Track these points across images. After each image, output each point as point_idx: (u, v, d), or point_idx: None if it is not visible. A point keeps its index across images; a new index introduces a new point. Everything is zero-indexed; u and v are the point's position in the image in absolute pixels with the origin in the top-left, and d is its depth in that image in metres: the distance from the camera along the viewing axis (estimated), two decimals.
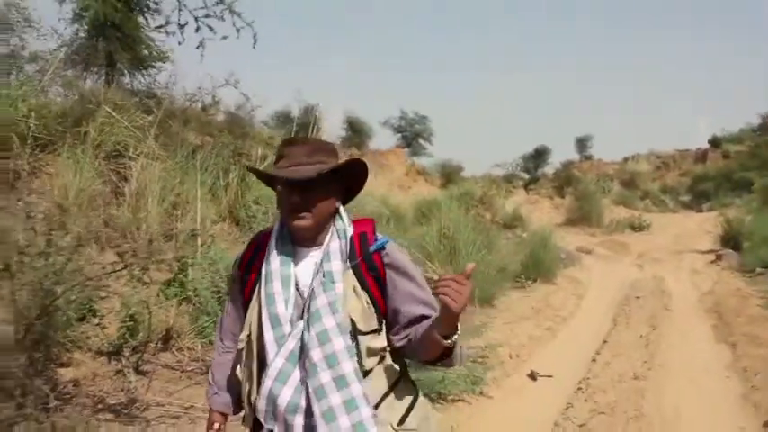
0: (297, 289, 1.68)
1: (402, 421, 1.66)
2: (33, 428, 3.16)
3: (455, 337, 1.52)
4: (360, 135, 25.43)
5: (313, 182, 1.63)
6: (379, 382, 1.66)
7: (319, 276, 1.64)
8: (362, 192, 1.97)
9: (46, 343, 3.63)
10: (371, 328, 1.66)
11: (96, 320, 4.45)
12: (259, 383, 1.66)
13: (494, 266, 7.78)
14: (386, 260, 1.70)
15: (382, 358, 1.69)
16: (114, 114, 6.40)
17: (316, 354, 1.57)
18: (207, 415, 1.94)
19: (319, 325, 1.58)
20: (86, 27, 8.54)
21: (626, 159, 40.60)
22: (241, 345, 1.72)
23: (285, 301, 1.65)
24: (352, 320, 1.62)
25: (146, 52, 9.06)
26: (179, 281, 5.16)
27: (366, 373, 1.63)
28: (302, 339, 1.61)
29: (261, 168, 1.71)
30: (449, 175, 26.94)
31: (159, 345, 4.68)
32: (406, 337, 1.67)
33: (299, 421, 1.58)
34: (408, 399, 1.71)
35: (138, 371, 4.31)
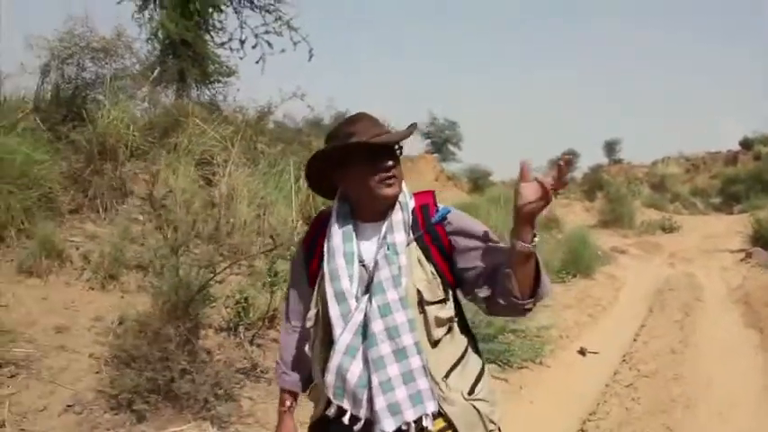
0: (361, 264, 1.73)
1: (472, 391, 1.72)
2: (201, 378, 4.13)
3: (535, 240, 1.53)
4: None
5: (400, 148, 1.73)
6: (447, 352, 1.71)
7: (383, 249, 1.69)
8: None
9: (196, 314, 4.60)
10: (438, 298, 1.70)
11: (214, 303, 5.45)
12: (326, 360, 1.70)
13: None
14: (448, 229, 1.75)
15: (450, 329, 1.74)
16: (203, 125, 7.42)
17: (377, 325, 1.63)
18: None
19: (382, 297, 1.64)
20: (159, 46, 9.63)
21: (655, 162, 41.11)
22: (310, 323, 1.78)
23: (349, 277, 1.69)
24: (418, 291, 1.68)
25: (212, 67, 10.14)
26: (273, 270, 6.14)
27: (435, 344, 1.69)
28: (366, 311, 1.66)
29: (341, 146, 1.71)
30: (477, 180, 27.71)
31: (267, 323, 5.65)
32: (489, 286, 1.67)
33: (366, 394, 1.62)
34: (476, 370, 1.77)
35: (253, 344, 5.27)
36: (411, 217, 1.75)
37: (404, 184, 1.78)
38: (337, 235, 1.74)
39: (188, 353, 4.22)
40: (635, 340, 6.51)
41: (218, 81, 10.05)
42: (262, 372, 4.87)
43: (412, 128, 1.78)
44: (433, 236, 1.73)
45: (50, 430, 3.55)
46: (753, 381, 5.17)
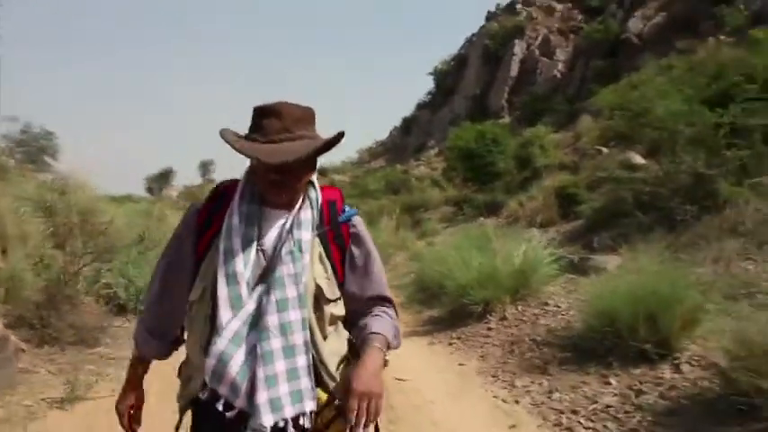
0: (260, 249, 1.82)
1: None
2: None
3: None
4: None
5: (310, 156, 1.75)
6: (336, 344, 1.91)
7: (289, 244, 1.79)
8: None
9: None
10: (336, 297, 1.89)
11: None
12: (207, 338, 1.78)
13: None
14: (352, 231, 1.92)
15: (335, 323, 1.93)
16: None
17: (272, 320, 1.74)
18: None
19: (281, 292, 1.75)
20: None
21: None
22: (194, 296, 1.85)
23: (244, 262, 1.77)
24: (318, 287, 1.84)
25: None
26: None
27: (325, 338, 1.86)
28: (260, 303, 1.76)
29: (235, 143, 1.73)
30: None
31: None
32: (349, 311, 1.94)
33: (245, 385, 1.72)
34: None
35: None
36: (318, 213, 1.87)
37: (315, 180, 1.92)
38: (240, 215, 1.81)
39: None
40: None
41: None
42: None
43: (309, 149, 1.74)
44: (336, 233, 1.89)
45: None
46: None
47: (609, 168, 12.18)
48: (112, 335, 7.12)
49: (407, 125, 45.33)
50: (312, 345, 1.80)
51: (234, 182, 1.91)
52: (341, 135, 1.79)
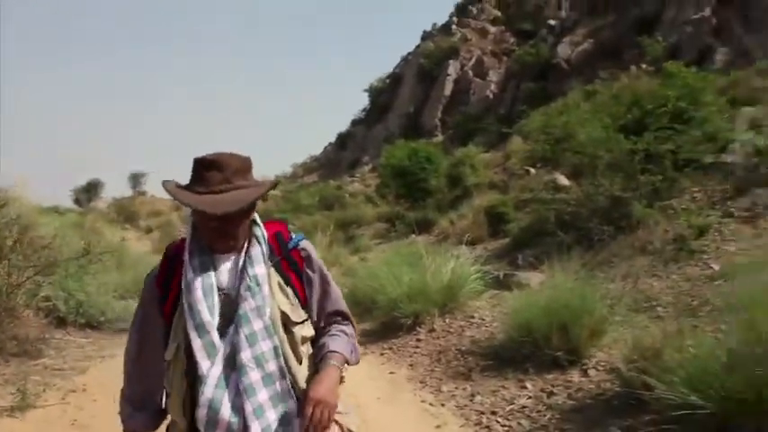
0: (221, 292, 1.95)
1: None
2: None
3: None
4: None
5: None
6: (308, 366, 2.05)
7: (245, 281, 1.92)
8: None
9: None
10: (301, 319, 2.03)
11: None
12: (192, 393, 1.91)
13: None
14: (303, 254, 2.07)
15: (306, 343, 2.07)
16: None
17: (245, 355, 1.87)
18: None
19: (248, 327, 1.89)
20: None
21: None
22: (170, 355, 1.95)
23: (209, 309, 1.89)
24: (284, 313, 1.97)
25: None
26: None
27: (301, 361, 2.01)
28: (232, 343, 1.89)
29: (178, 195, 1.88)
30: None
31: None
32: (315, 329, 2.11)
33: (240, 422, 1.86)
34: None
35: None
36: (267, 247, 2.00)
37: (257, 218, 2.03)
38: (194, 269, 1.92)
39: None
40: None
41: None
42: None
43: (249, 198, 1.89)
44: (290, 261, 2.04)
45: None
46: None
47: (534, 189, 12.92)
48: (55, 346, 7.32)
49: (342, 141, 45.75)
50: (288, 370, 1.95)
51: (181, 241, 2.04)
52: (276, 183, 2.13)
